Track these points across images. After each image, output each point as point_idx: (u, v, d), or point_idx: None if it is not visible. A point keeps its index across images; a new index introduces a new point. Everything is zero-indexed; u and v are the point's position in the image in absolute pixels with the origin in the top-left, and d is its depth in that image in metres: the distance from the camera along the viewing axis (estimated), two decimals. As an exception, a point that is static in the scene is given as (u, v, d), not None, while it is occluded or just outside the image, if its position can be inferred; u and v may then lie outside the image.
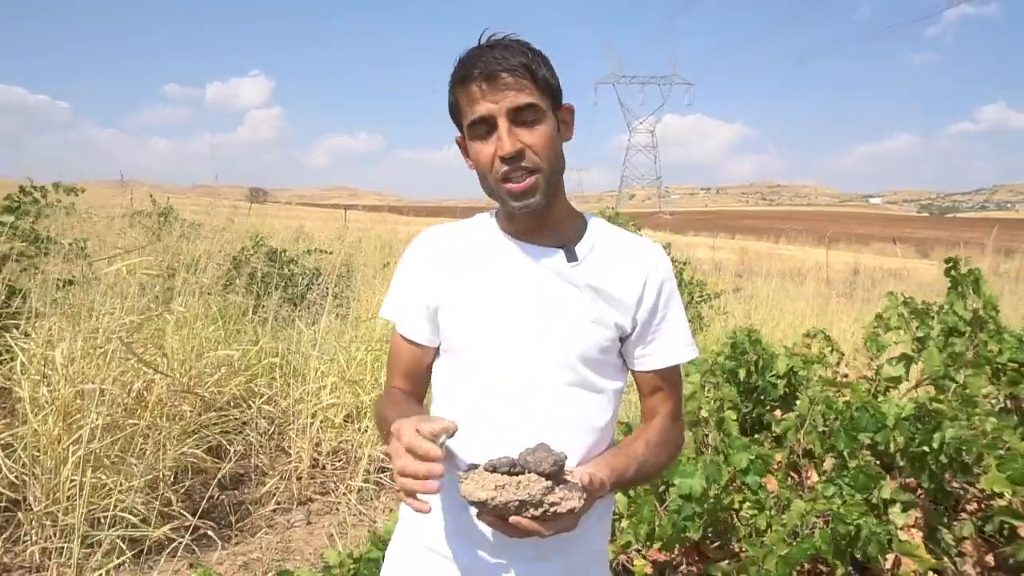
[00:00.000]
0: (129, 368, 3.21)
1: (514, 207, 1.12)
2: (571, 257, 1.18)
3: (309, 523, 3.39)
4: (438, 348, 1.25)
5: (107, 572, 2.53)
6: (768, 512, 2.10)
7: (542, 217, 1.16)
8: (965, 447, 1.99)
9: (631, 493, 2.20)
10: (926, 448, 2.10)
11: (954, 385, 2.29)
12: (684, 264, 9.07)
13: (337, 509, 3.50)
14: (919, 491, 2.20)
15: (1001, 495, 1.96)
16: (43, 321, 3.26)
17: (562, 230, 1.20)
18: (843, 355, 3.02)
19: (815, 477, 2.32)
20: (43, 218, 4.53)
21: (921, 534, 2.07)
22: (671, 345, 1.22)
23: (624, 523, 2.13)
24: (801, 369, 2.68)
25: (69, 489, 2.70)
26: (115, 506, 2.70)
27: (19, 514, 2.71)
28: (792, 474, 2.38)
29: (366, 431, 3.77)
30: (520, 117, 1.09)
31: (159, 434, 3.15)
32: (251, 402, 3.99)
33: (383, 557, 1.35)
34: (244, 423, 3.93)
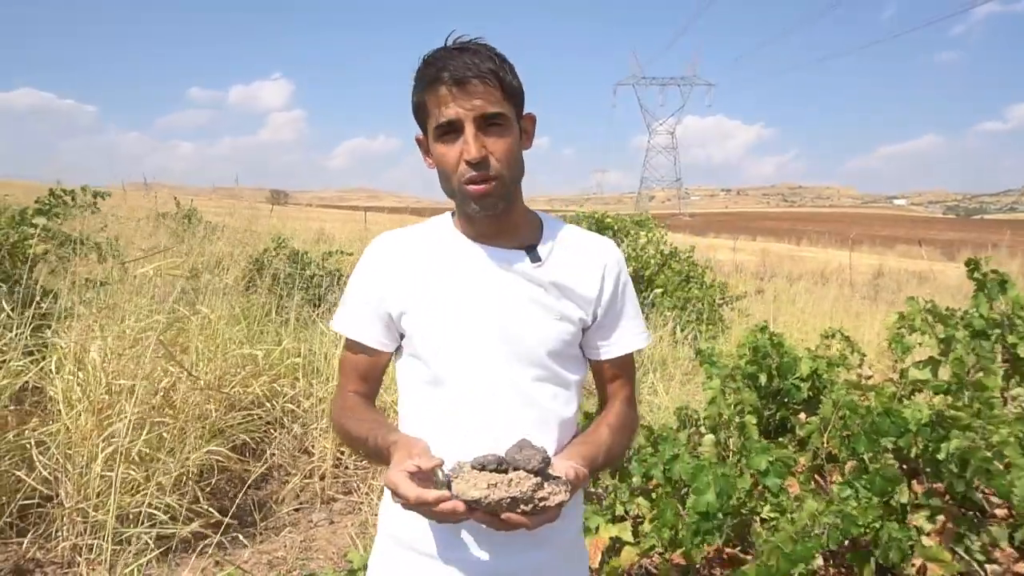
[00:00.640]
0: (157, 367, 3.27)
1: (475, 210, 1.15)
2: (534, 258, 1.22)
3: (332, 522, 3.43)
4: (394, 351, 1.28)
5: (136, 569, 2.58)
6: (789, 515, 2.09)
7: (501, 220, 1.19)
8: (969, 457, 1.97)
9: (653, 496, 2.20)
10: (938, 456, 2.08)
11: (967, 387, 2.26)
12: (705, 267, 9.02)
13: (360, 509, 3.53)
14: (946, 496, 2.17)
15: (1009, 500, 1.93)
16: (75, 321, 3.33)
17: (520, 231, 1.24)
18: (864, 356, 2.99)
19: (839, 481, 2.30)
20: (70, 219, 4.63)
21: (947, 540, 2.04)
22: (628, 334, 1.29)
23: (647, 526, 2.13)
24: (825, 372, 2.66)
25: (100, 486, 2.76)
26: (144, 503, 2.76)
27: (51, 510, 2.78)
28: (816, 477, 2.37)
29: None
30: (486, 124, 1.12)
31: (186, 432, 3.21)
32: (275, 402, 4.04)
33: None
34: (268, 423, 3.98)
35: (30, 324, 3.33)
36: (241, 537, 2.96)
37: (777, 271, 15.45)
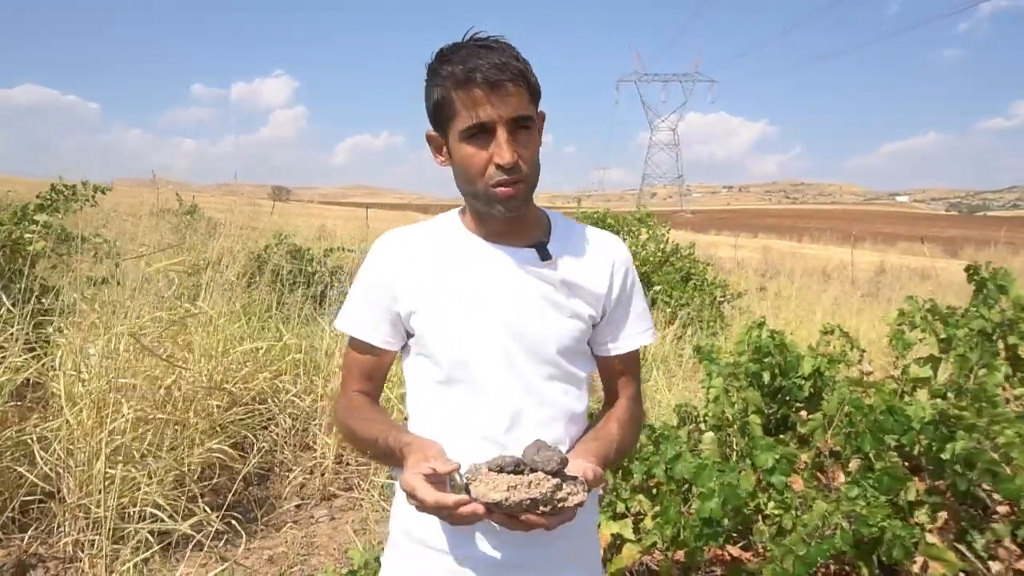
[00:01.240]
0: (159, 364, 3.27)
1: (499, 211, 1.14)
2: (544, 256, 1.21)
3: (333, 519, 3.43)
4: (400, 350, 1.28)
5: (136, 565, 2.58)
6: (794, 512, 2.09)
7: (514, 219, 1.18)
8: (975, 458, 1.96)
9: (654, 493, 2.20)
10: (943, 456, 2.08)
11: (972, 388, 2.25)
12: (706, 264, 9.01)
13: (360, 505, 3.53)
14: (948, 493, 2.16)
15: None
16: (77, 318, 3.34)
17: (530, 230, 1.23)
18: (864, 352, 2.98)
19: (842, 478, 2.30)
20: (71, 214, 4.62)
21: (951, 537, 2.04)
22: (635, 331, 1.30)
23: (648, 523, 2.13)
24: (827, 369, 2.66)
25: (101, 482, 2.76)
26: (144, 500, 2.76)
27: (53, 505, 2.78)
28: (818, 474, 2.36)
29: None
30: (516, 127, 1.11)
31: (187, 429, 3.21)
32: (276, 398, 4.04)
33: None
34: (269, 419, 3.98)
35: (30, 320, 3.33)
36: (243, 533, 2.96)
37: (779, 268, 15.44)
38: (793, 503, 2.07)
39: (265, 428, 3.92)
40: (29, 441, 2.86)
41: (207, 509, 2.93)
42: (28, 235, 3.97)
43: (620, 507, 2.26)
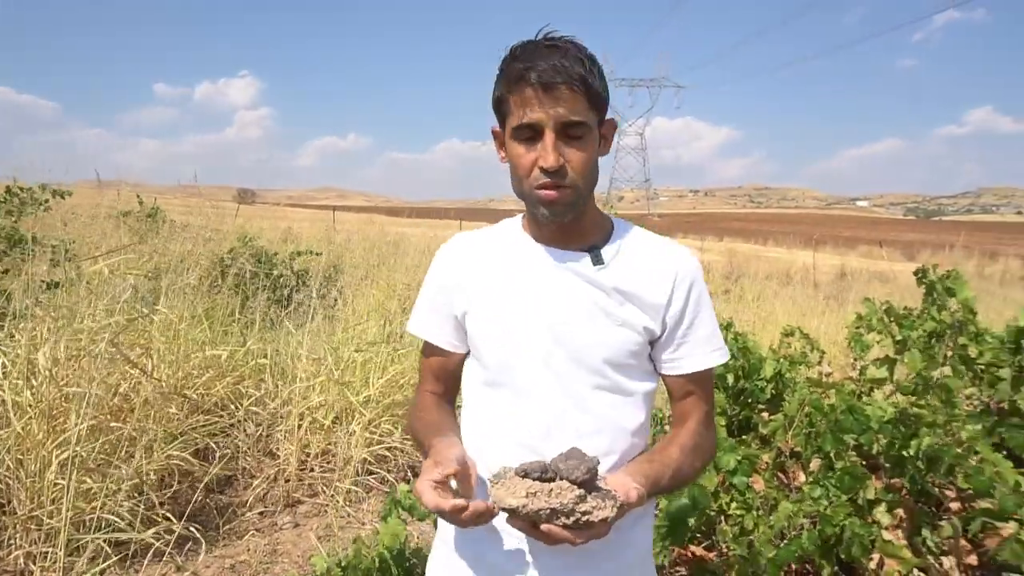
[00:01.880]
0: (115, 370, 3.19)
1: (543, 214, 1.13)
2: (597, 260, 1.17)
3: (297, 525, 3.38)
4: (467, 352, 1.27)
5: (93, 576, 2.51)
6: (755, 512, 2.12)
7: (569, 224, 1.16)
8: (941, 455, 2.02)
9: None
10: (904, 453, 2.13)
11: (932, 389, 2.32)
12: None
13: (325, 511, 3.48)
14: (903, 491, 2.22)
15: (983, 496, 1.99)
16: (27, 323, 3.23)
17: (588, 234, 1.20)
18: (824, 353, 3.04)
19: (802, 477, 2.34)
20: (25, 217, 4.49)
21: (905, 534, 2.09)
22: (701, 349, 1.20)
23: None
24: (788, 371, 2.71)
25: (53, 493, 2.67)
26: (101, 510, 2.68)
27: (3, 518, 2.69)
28: (779, 474, 2.40)
29: (354, 433, 3.76)
30: (567, 132, 1.08)
31: (145, 437, 3.13)
32: (238, 404, 3.97)
33: (371, 563, 1.35)
34: (231, 425, 3.91)
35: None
36: (203, 541, 2.90)
37: (744, 271, 15.68)
38: (755, 503, 2.10)
39: (227, 435, 3.84)
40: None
41: (168, 517, 2.86)
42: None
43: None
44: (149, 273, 4.68)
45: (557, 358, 1.15)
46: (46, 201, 4.52)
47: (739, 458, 2.17)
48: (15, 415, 2.79)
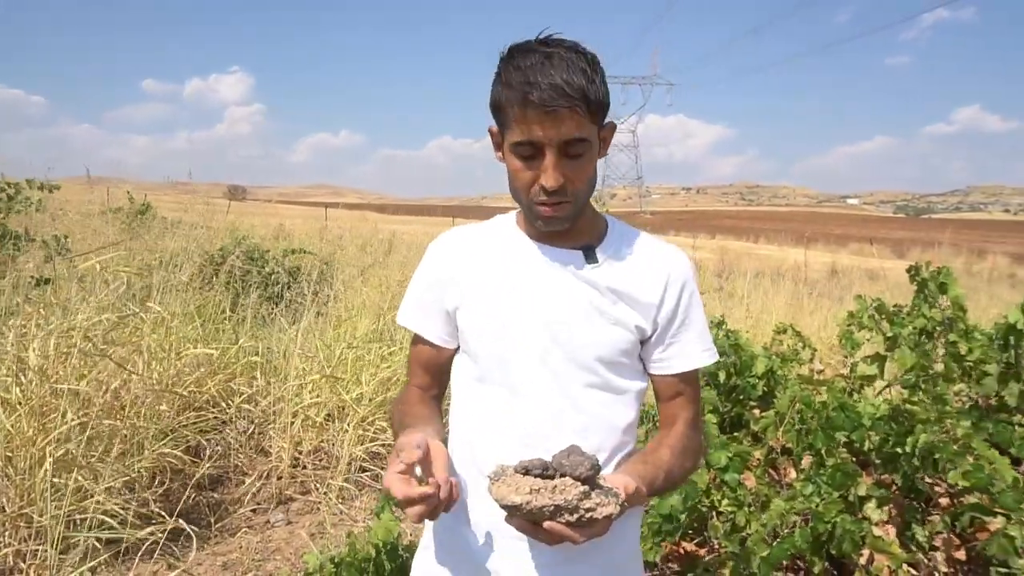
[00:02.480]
0: (106, 367, 3.17)
1: (540, 225, 1.14)
2: (590, 258, 1.18)
3: (289, 523, 3.37)
4: (458, 347, 1.27)
5: (83, 574, 2.50)
6: (747, 509, 2.13)
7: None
8: (937, 451, 2.03)
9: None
10: (899, 450, 2.14)
11: (925, 386, 2.34)
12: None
13: (317, 509, 3.48)
14: (893, 487, 2.24)
15: (971, 492, 2.01)
16: (16, 319, 3.21)
17: (583, 234, 1.20)
18: (815, 351, 3.07)
19: (793, 474, 2.35)
20: (14, 214, 4.46)
21: (895, 530, 2.11)
22: (691, 349, 1.21)
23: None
24: (779, 368, 2.72)
25: (44, 490, 2.66)
26: (92, 507, 2.67)
27: (-8, 516, 2.67)
28: (770, 471, 2.42)
29: (347, 431, 3.75)
30: (568, 149, 1.07)
31: (137, 434, 3.12)
32: (230, 401, 3.96)
33: (363, 560, 1.35)
34: (224, 422, 3.89)
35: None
36: (195, 539, 2.89)
37: (735, 269, 15.74)
38: (746, 500, 2.12)
39: (219, 432, 3.83)
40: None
41: (161, 514, 2.85)
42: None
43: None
44: (141, 270, 4.66)
45: (554, 356, 1.15)
46: (39, 200, 4.49)
47: (731, 455, 2.19)
48: (4, 412, 2.78)
